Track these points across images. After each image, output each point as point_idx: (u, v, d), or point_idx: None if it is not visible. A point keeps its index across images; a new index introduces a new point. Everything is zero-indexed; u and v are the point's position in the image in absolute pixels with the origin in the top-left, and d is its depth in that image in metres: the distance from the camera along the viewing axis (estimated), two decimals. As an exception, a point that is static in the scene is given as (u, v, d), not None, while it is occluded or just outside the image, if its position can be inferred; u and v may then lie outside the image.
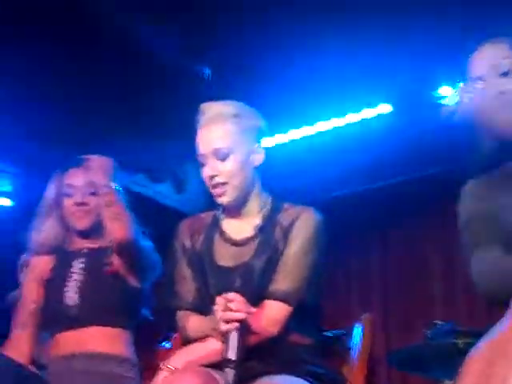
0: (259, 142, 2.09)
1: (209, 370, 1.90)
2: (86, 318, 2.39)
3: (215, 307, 1.85)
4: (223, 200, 2.03)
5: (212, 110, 2.05)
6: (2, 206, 4.86)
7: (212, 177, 2.02)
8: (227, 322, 1.81)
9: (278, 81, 3.65)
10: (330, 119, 4.23)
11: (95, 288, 2.43)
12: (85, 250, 2.54)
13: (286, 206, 2.10)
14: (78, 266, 2.50)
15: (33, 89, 3.65)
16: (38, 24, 3.18)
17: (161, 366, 1.95)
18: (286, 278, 1.96)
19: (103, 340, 2.38)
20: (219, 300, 1.85)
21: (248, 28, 3.31)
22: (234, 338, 1.79)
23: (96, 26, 3.20)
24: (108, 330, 2.40)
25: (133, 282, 2.43)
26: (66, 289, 2.44)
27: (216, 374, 1.89)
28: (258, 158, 2.08)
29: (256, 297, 1.94)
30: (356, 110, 4.14)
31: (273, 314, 1.94)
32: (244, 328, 1.81)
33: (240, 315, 1.81)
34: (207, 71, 3.56)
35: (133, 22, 3.23)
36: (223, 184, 2.01)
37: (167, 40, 3.42)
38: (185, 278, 2.08)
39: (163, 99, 3.79)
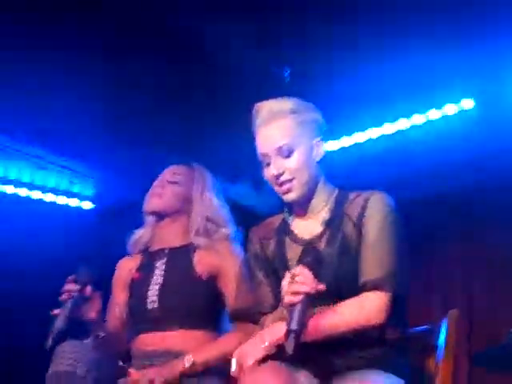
0: (319, 135, 2.06)
1: (286, 366, 1.89)
2: (168, 321, 2.41)
3: (282, 282, 1.84)
4: (291, 197, 2.00)
5: (268, 108, 2.03)
6: (84, 209, 5.01)
7: (278, 175, 1.99)
8: (292, 294, 1.79)
9: (348, 83, 3.63)
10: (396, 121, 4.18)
11: (176, 290, 2.45)
12: (167, 250, 2.55)
13: (351, 195, 2.06)
14: (160, 266, 2.51)
15: (119, 95, 3.73)
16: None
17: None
18: (374, 266, 1.91)
19: (186, 340, 2.40)
20: (286, 274, 1.84)
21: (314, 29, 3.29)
22: (297, 310, 1.77)
23: (182, 36, 3.25)
24: (191, 332, 2.42)
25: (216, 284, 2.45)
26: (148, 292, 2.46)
27: (293, 372, 1.89)
28: (320, 152, 2.05)
29: (332, 291, 1.89)
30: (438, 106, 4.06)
31: (372, 305, 1.88)
32: (309, 301, 1.79)
33: (305, 288, 1.78)
34: (287, 71, 3.56)
35: (212, 25, 3.26)
36: (290, 181, 1.99)
37: (244, 42, 3.44)
38: (261, 284, 2.07)
39: (241, 100, 3.82)
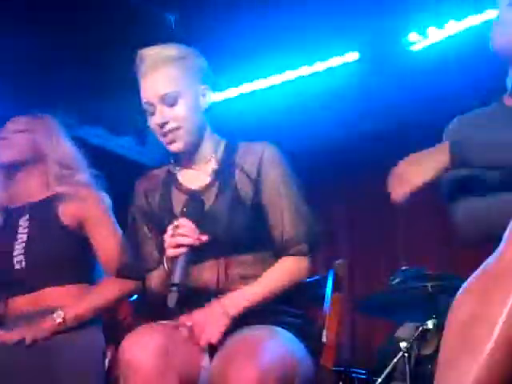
0: (206, 83, 1.99)
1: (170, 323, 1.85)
2: (38, 279, 2.29)
3: (165, 235, 1.80)
4: (176, 146, 1.92)
5: (153, 54, 1.93)
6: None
7: (162, 124, 1.90)
8: (175, 247, 1.76)
9: (245, 28, 3.57)
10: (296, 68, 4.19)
11: (43, 246, 2.32)
12: (27, 205, 2.41)
13: (241, 145, 2.01)
14: (24, 224, 2.37)
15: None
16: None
17: None
18: (291, 225, 1.90)
19: (61, 296, 2.30)
20: (168, 227, 1.80)
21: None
22: (180, 263, 1.75)
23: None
24: (64, 287, 2.32)
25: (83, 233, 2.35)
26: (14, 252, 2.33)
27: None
28: (207, 100, 1.99)
29: (225, 243, 1.87)
30: (323, 58, 4.10)
31: (298, 270, 1.91)
32: (192, 254, 1.77)
33: (187, 240, 1.76)
34: (172, 17, 3.45)
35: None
36: (175, 130, 1.91)
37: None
38: (147, 238, 2.00)
39: (125, 47, 3.67)
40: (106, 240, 2.31)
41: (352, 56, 4.05)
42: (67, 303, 2.26)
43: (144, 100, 1.94)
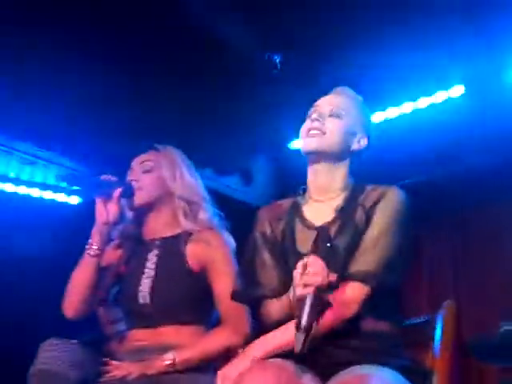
0: (364, 134, 2.10)
1: (283, 361, 1.86)
2: (161, 316, 2.36)
3: (294, 272, 1.81)
4: (315, 142, 2.03)
5: (345, 90, 2.15)
6: (71, 204, 4.95)
7: (315, 119, 2.05)
8: (304, 286, 1.76)
9: (347, 65, 3.59)
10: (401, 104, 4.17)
11: (169, 285, 2.38)
12: (158, 241, 2.49)
13: (368, 187, 2.05)
14: (152, 259, 2.45)
15: (103, 87, 3.68)
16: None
17: (240, 352, 1.92)
18: (366, 259, 1.89)
19: (179, 335, 2.36)
20: (298, 264, 1.80)
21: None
22: (307, 305, 1.73)
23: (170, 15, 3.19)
24: (184, 327, 2.37)
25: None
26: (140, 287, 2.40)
27: (291, 365, 1.85)
28: (358, 145, 2.09)
29: (341, 278, 1.88)
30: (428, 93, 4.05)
31: (350, 294, 1.87)
32: (320, 293, 1.75)
33: (317, 279, 1.75)
34: (277, 58, 3.51)
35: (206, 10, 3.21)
36: (321, 131, 2.04)
37: (235, 28, 3.39)
38: (266, 265, 2.04)
39: (231, 91, 3.77)
40: (227, 286, 2.29)
41: (457, 90, 3.98)
42: (183, 343, 2.32)
43: (315, 103, 2.12)
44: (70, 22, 3.19)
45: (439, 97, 4.04)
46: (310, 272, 1.75)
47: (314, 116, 2.06)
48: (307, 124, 2.07)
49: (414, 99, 4.13)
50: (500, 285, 4.24)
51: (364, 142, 2.10)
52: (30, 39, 3.24)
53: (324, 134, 2.03)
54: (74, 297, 2.42)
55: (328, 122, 2.05)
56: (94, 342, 2.44)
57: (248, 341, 2.24)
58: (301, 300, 1.75)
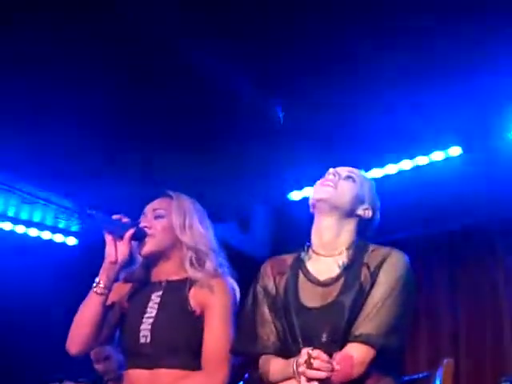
0: (370, 207, 2.18)
1: None
2: (159, 357, 2.34)
3: (299, 360, 1.85)
4: (324, 192, 2.10)
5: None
6: (68, 244, 4.98)
7: (332, 173, 2.14)
8: (308, 380, 1.80)
9: (347, 122, 3.66)
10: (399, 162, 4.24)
11: (169, 326, 2.36)
12: (164, 283, 2.48)
13: (372, 247, 2.10)
14: (155, 299, 2.43)
15: (98, 130, 3.73)
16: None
17: None
18: (371, 321, 1.94)
19: (175, 380, 2.31)
20: (303, 353, 1.84)
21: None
22: None
23: (169, 61, 3.25)
24: (181, 372, 2.33)
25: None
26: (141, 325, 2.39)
27: None
28: (363, 212, 2.15)
29: (343, 337, 1.94)
30: (425, 152, 4.13)
31: (357, 356, 1.91)
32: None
33: (321, 374, 1.80)
34: (280, 112, 3.58)
35: (206, 59, 3.28)
36: (332, 187, 2.11)
37: (237, 77, 3.46)
38: (266, 321, 2.08)
39: (227, 137, 3.82)
40: (215, 332, 2.32)
41: (455, 150, 4.05)
42: None
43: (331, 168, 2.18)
44: (69, 63, 3.23)
45: (437, 156, 4.11)
46: (315, 366, 1.81)
47: (331, 171, 2.16)
48: (323, 178, 2.16)
49: (412, 158, 4.20)
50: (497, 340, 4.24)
51: (369, 213, 2.16)
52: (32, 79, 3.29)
53: (336, 188, 2.11)
54: (79, 334, 2.41)
55: (342, 181, 2.14)
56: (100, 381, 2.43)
57: None
58: None
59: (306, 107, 3.55)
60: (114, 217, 2.44)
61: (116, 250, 2.41)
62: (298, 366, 1.84)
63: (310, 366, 1.79)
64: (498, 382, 3.03)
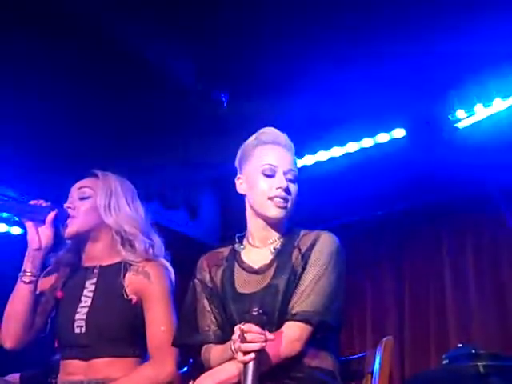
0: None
1: None
2: (95, 347, 2.31)
3: (232, 337, 1.89)
4: (279, 213, 2.10)
5: (281, 137, 2.19)
6: (13, 234, 4.87)
7: (286, 189, 2.10)
8: (244, 353, 1.83)
9: (293, 104, 3.67)
10: (344, 144, 4.28)
11: (105, 315, 2.33)
12: (96, 269, 2.43)
13: (303, 232, 2.17)
14: (89, 287, 2.39)
15: (47, 114, 3.66)
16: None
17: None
18: (306, 300, 2.00)
19: (113, 369, 2.30)
20: (236, 329, 1.88)
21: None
22: (250, 369, 1.81)
23: (112, 46, 3.21)
24: (118, 360, 2.32)
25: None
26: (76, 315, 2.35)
27: None
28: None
29: (279, 317, 1.99)
30: (371, 134, 4.17)
31: (293, 334, 1.96)
32: (260, 358, 1.84)
33: (255, 346, 1.82)
34: (224, 96, 3.58)
35: (149, 44, 3.25)
36: (286, 201, 2.11)
37: (184, 64, 3.44)
38: (206, 312, 2.13)
39: (176, 124, 3.80)
40: (159, 321, 2.31)
41: (399, 132, 4.11)
42: (116, 377, 2.26)
43: (266, 162, 2.13)
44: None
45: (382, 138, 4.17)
46: (248, 339, 1.83)
47: (281, 184, 2.11)
48: (270, 189, 2.11)
49: (357, 140, 4.24)
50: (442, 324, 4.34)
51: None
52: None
53: (288, 202, 2.12)
54: (11, 326, 2.36)
55: (290, 189, 2.13)
56: (37, 376, 2.39)
57: (174, 379, 2.28)
58: (243, 364, 1.83)
59: (250, 91, 3.56)
60: (32, 202, 2.39)
61: (39, 236, 2.36)
62: (233, 343, 1.87)
63: (243, 339, 1.83)
64: (442, 358, 3.10)
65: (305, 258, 2.07)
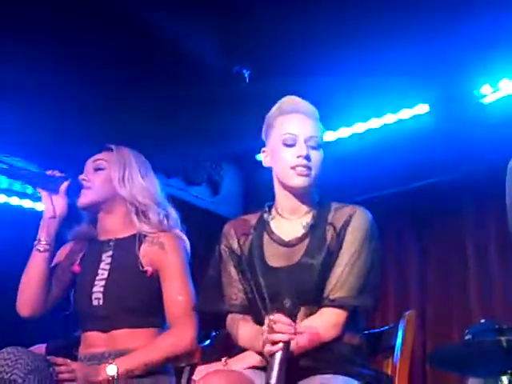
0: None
1: (246, 371, 1.92)
2: (114, 319, 2.34)
3: (263, 327, 1.85)
4: (303, 182, 2.04)
5: (302, 104, 2.12)
6: (38, 210, 4.93)
7: (307, 156, 2.03)
8: (272, 344, 1.81)
9: (314, 82, 3.66)
10: (367, 120, 4.26)
11: (122, 287, 2.36)
12: (112, 242, 2.46)
13: (334, 205, 2.11)
14: (106, 260, 2.42)
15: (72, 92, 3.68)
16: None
17: (222, 362, 1.97)
18: (344, 284, 1.97)
19: (133, 339, 2.33)
20: (266, 320, 1.85)
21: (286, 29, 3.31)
22: (276, 363, 1.79)
23: (132, 24, 3.20)
24: (138, 330, 2.35)
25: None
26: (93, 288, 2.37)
27: (254, 375, 1.91)
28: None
29: (315, 299, 1.97)
30: (393, 110, 4.15)
31: (332, 320, 1.96)
32: (287, 350, 1.81)
33: (283, 337, 1.80)
34: (246, 72, 3.56)
35: (171, 22, 3.24)
36: (309, 168, 2.04)
37: (205, 40, 3.43)
38: (233, 280, 2.09)
39: (198, 100, 3.79)
40: (176, 291, 2.34)
41: (422, 108, 4.08)
42: (136, 347, 2.29)
43: (286, 131, 2.07)
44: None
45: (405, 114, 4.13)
46: (276, 330, 1.81)
47: (301, 152, 2.04)
48: (291, 159, 2.05)
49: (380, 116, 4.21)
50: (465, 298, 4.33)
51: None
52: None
53: (311, 170, 2.05)
54: (27, 295, 2.39)
55: (312, 156, 2.05)
56: (62, 347, 2.42)
57: (195, 347, 2.30)
58: (270, 355, 1.81)
59: (272, 69, 3.54)
60: (48, 172, 2.41)
61: (53, 205, 2.38)
62: (262, 335, 1.84)
63: (271, 330, 1.80)
64: (465, 333, 3.10)
65: (340, 237, 2.02)
